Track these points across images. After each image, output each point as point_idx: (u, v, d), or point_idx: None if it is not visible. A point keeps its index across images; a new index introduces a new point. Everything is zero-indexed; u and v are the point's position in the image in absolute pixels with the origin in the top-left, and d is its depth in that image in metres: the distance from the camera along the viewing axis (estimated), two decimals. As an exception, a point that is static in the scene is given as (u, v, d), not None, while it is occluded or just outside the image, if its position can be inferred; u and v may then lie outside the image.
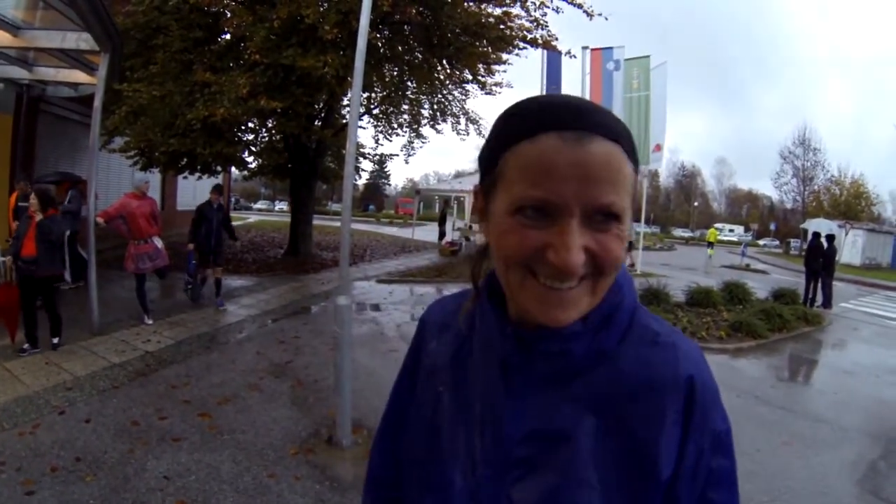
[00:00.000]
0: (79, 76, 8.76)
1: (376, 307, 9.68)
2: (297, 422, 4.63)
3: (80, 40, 6.78)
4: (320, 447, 4.19)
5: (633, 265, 17.86)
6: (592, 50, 14.74)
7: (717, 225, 59.49)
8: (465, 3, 11.10)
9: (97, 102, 6.86)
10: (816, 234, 14.50)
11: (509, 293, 0.71)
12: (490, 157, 0.70)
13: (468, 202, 23.63)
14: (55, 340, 6.01)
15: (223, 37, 11.64)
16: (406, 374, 0.95)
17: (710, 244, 33.02)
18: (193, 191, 20.48)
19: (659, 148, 16.17)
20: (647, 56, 15.86)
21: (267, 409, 4.82)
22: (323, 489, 3.59)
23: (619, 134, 0.64)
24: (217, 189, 9.14)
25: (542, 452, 0.72)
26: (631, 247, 21.37)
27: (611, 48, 14.98)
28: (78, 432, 4.10)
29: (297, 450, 4.12)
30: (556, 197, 0.62)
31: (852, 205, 50.57)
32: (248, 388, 5.31)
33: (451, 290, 11.92)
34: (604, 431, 0.70)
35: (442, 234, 22.23)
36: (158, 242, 7.29)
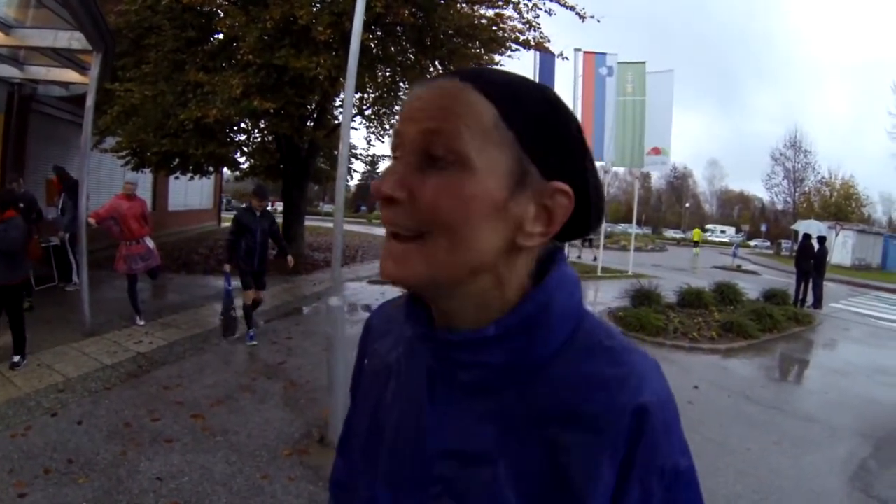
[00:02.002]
0: (71, 75, 8.71)
1: (368, 308, 9.67)
2: (290, 423, 4.63)
3: (72, 39, 6.74)
4: (313, 448, 4.20)
5: (595, 259, 17.99)
6: (585, 53, 14.79)
7: (708, 226, 60.23)
8: (458, 5, 11.09)
9: (89, 102, 6.82)
10: (807, 235, 14.59)
11: None
12: None
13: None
14: (15, 359, 5.28)
15: (216, 37, 11.59)
16: (353, 386, 0.91)
17: (696, 243, 36.62)
18: (185, 191, 20.44)
19: (658, 151, 16.18)
20: (643, 62, 15.90)
21: (260, 411, 4.82)
22: (317, 490, 3.60)
23: (472, 76, 0.62)
24: (260, 192, 7.17)
25: (460, 473, 0.66)
26: (591, 243, 21.52)
27: (604, 54, 15.04)
28: (70, 434, 4.09)
29: (290, 451, 4.12)
30: (399, 128, 0.63)
31: (843, 206, 50.89)
32: (240, 389, 5.31)
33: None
34: (528, 458, 0.63)
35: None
36: (150, 243, 7.27)
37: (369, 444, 0.77)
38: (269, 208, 7.25)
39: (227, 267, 6.89)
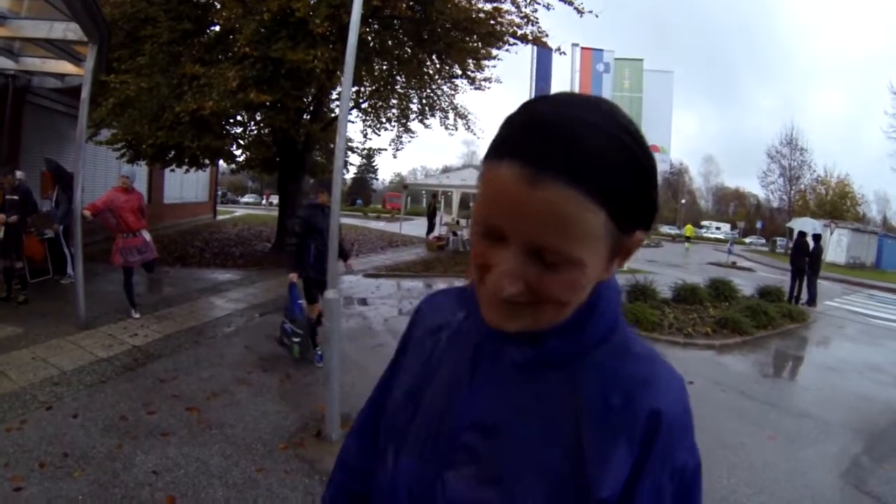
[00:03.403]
0: (66, 67, 8.66)
1: (364, 301, 9.67)
2: (286, 416, 4.63)
3: (67, 30, 6.70)
4: (309, 441, 4.20)
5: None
6: (583, 48, 14.76)
7: (703, 223, 60.43)
8: (456, -1, 11.09)
9: (84, 94, 6.79)
10: (802, 233, 14.64)
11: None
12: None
13: (455, 197, 23.62)
14: None
15: (212, 29, 11.54)
16: (392, 364, 0.97)
17: (688, 238, 38.50)
18: (181, 184, 20.37)
19: (657, 149, 16.15)
20: (641, 59, 15.88)
21: (255, 404, 4.82)
22: (312, 483, 3.60)
23: (583, 175, 0.59)
24: (323, 186, 6.06)
25: (485, 444, 0.72)
26: None
27: (601, 50, 15.00)
28: (66, 427, 4.07)
29: (286, 444, 4.12)
30: (500, 225, 0.63)
31: (838, 204, 51.13)
32: (236, 382, 5.30)
33: (438, 284, 11.94)
34: (551, 438, 0.69)
35: (431, 228, 22.21)
36: (147, 236, 7.23)
37: (400, 419, 0.83)
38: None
39: (293, 277, 5.82)
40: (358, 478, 0.99)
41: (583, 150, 0.59)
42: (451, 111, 15.76)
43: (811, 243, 14.15)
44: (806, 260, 13.91)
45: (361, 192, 66.67)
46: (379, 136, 34.99)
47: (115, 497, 3.25)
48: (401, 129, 16.35)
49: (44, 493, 3.23)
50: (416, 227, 26.16)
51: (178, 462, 3.72)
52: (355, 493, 1.00)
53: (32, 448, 3.73)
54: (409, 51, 12.61)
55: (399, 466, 0.79)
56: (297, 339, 5.86)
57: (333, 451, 4.01)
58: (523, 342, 0.73)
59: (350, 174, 48.72)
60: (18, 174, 7.84)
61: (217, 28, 11.29)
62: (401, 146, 17.00)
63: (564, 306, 0.67)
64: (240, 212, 36.58)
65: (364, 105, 15.34)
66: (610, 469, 0.65)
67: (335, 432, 4.20)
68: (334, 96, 15.12)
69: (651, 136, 15.57)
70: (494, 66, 14.25)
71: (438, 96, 15.41)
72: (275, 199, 43.34)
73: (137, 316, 7.17)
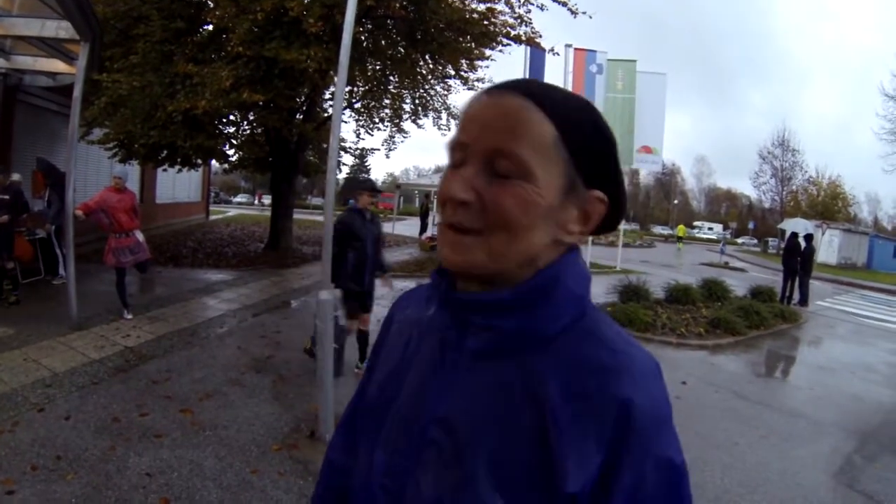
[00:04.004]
0: (58, 65, 8.61)
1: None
2: (279, 417, 4.62)
3: (59, 29, 6.66)
4: (303, 442, 4.19)
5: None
6: (576, 49, 14.79)
7: (696, 223, 60.71)
8: (449, -1, 11.08)
9: (77, 93, 6.74)
10: (794, 234, 14.71)
11: None
12: None
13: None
14: None
15: (205, 28, 11.50)
16: (370, 362, 0.97)
17: (680, 238, 39.92)
18: (173, 184, 20.26)
19: (649, 150, 16.22)
20: (634, 60, 15.92)
21: (249, 405, 4.80)
22: (306, 484, 3.59)
23: (535, 93, 0.69)
24: (370, 185, 5.58)
25: (447, 439, 0.71)
26: None
27: (594, 51, 15.04)
28: (58, 430, 4.04)
29: (279, 445, 4.11)
30: (463, 137, 0.71)
31: (829, 205, 51.34)
32: (229, 383, 5.28)
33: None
34: (512, 432, 0.67)
35: (424, 228, 22.19)
36: (140, 236, 7.20)
37: (376, 413, 0.83)
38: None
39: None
40: (341, 474, 1.00)
41: (536, 82, 0.73)
42: (443, 111, 15.76)
43: (803, 244, 14.21)
44: (798, 260, 13.98)
45: (353, 192, 66.43)
46: (372, 135, 35.02)
47: (109, 500, 3.23)
48: (394, 129, 16.34)
49: (36, 496, 3.20)
50: (408, 226, 26.14)
51: (172, 464, 3.70)
52: (340, 488, 0.99)
53: (24, 451, 3.70)
54: (402, 51, 12.59)
55: (373, 461, 0.79)
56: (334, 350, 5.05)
57: (328, 453, 4.01)
58: (481, 326, 0.72)
59: (342, 174, 48.57)
60: (15, 176, 7.79)
61: (210, 27, 11.24)
62: (393, 146, 17.00)
63: (513, 238, 0.68)
64: (232, 212, 36.45)
65: (357, 105, 15.32)
66: (578, 463, 0.62)
67: (329, 433, 4.19)
68: (327, 96, 15.11)
69: (643, 137, 15.67)
70: (487, 67, 14.30)
71: (431, 96, 15.39)
72: (266, 199, 43.29)
73: (130, 317, 7.13)
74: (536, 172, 0.67)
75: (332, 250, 4.79)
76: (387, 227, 25.52)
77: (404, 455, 0.75)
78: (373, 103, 15.39)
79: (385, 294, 10.68)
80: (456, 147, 0.72)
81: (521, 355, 0.70)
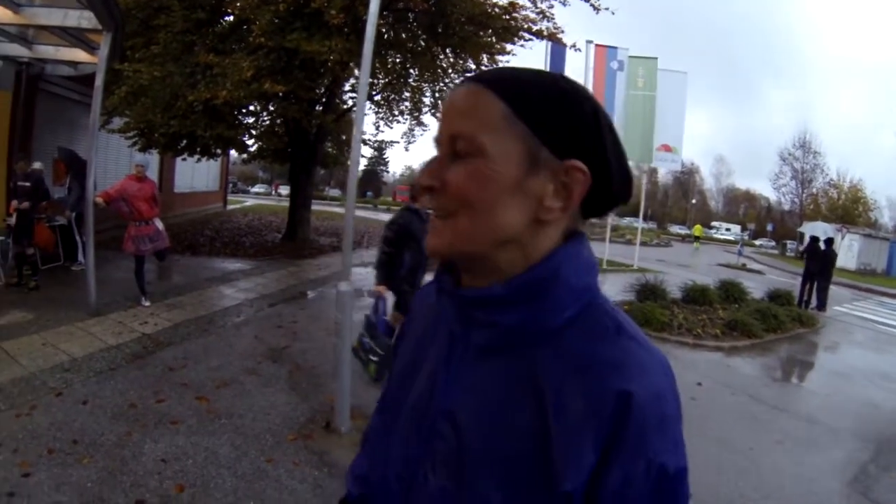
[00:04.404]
0: (79, 55, 8.69)
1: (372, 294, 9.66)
2: (295, 407, 4.64)
3: (81, 18, 6.71)
4: (318, 433, 4.21)
5: None
6: (597, 46, 14.71)
7: (713, 223, 60.30)
8: (471, -8, 11.03)
9: (98, 82, 6.79)
10: (815, 238, 14.55)
11: None
12: None
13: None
14: None
15: (226, 19, 11.56)
16: (394, 349, 1.02)
17: (697, 238, 39.98)
18: (192, 173, 20.41)
19: (668, 148, 16.13)
20: (655, 58, 15.82)
21: (265, 394, 4.83)
22: (321, 475, 3.61)
23: (487, 78, 0.72)
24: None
25: (452, 433, 0.73)
26: None
27: (615, 48, 14.96)
28: (75, 414, 4.09)
29: (295, 435, 4.13)
30: (438, 133, 0.76)
31: (850, 209, 50.60)
32: (245, 372, 5.32)
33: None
34: (514, 428, 0.67)
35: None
36: (159, 224, 7.25)
37: (395, 407, 0.85)
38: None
39: (381, 290, 5.00)
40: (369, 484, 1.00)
41: (498, 70, 0.76)
42: (463, 105, 15.70)
43: (823, 247, 14.05)
44: (817, 264, 13.81)
45: (372, 184, 66.61)
46: (391, 128, 35.04)
47: (124, 485, 3.26)
48: (413, 122, 16.36)
49: (52, 479, 3.24)
50: (425, 220, 26.13)
51: (187, 451, 3.73)
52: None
53: (42, 434, 3.75)
54: (422, 44, 12.57)
55: (389, 451, 0.82)
56: (375, 358, 5.00)
57: (343, 444, 4.04)
58: (483, 322, 0.73)
59: (361, 166, 48.72)
60: (36, 164, 7.88)
61: (231, 18, 11.30)
62: (413, 139, 17.01)
63: (477, 215, 0.69)
64: (250, 201, 36.67)
65: (377, 97, 15.34)
66: (575, 461, 0.62)
67: (345, 424, 4.21)
68: (347, 88, 15.13)
69: (663, 135, 15.57)
70: (508, 62, 14.16)
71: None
72: (283, 190, 43.43)
73: (147, 304, 7.20)
74: (486, 147, 0.68)
75: (387, 251, 4.89)
76: (403, 221, 25.73)
77: (416, 446, 0.77)
78: (393, 96, 15.40)
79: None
80: (434, 143, 0.77)
81: (527, 349, 0.70)
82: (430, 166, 0.74)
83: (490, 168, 0.68)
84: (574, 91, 0.72)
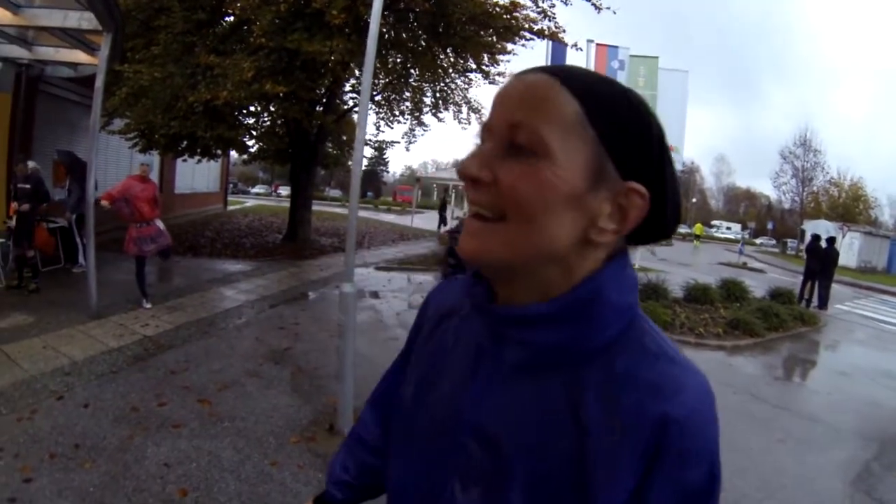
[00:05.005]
0: (79, 56, 8.67)
1: (375, 295, 9.66)
2: (298, 409, 4.63)
3: (81, 19, 6.69)
4: (321, 435, 4.20)
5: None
6: (598, 45, 14.68)
7: (714, 222, 60.34)
8: (472, -8, 11.00)
9: (98, 83, 6.77)
10: (816, 236, 14.54)
11: None
12: None
13: (467, 192, 23.56)
14: None
15: (226, 19, 11.55)
16: (405, 351, 0.98)
17: (697, 236, 40.76)
18: (192, 174, 20.40)
19: (670, 148, 16.11)
20: (656, 57, 15.76)
21: (267, 396, 4.82)
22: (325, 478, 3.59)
23: (561, 72, 0.65)
24: None
25: (483, 452, 0.69)
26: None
27: (616, 47, 14.91)
28: (76, 418, 4.08)
29: (298, 438, 4.12)
30: (488, 120, 0.68)
31: (850, 207, 50.61)
32: (247, 374, 5.30)
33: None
34: (550, 449, 0.65)
35: (443, 221, 22.17)
36: (160, 224, 7.24)
37: (411, 412, 0.82)
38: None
39: None
40: (371, 452, 1.03)
41: (571, 67, 0.68)
42: (464, 105, 15.72)
43: (825, 245, 14.03)
44: (819, 263, 13.80)
45: (372, 184, 66.58)
46: (392, 128, 35.08)
47: (127, 489, 3.25)
48: (414, 122, 16.36)
49: (54, 484, 3.23)
50: (427, 220, 26.17)
51: (190, 455, 3.72)
52: (366, 465, 1.04)
53: (43, 438, 3.73)
54: (423, 44, 12.55)
55: (409, 466, 0.79)
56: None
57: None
58: (518, 341, 0.69)
59: (362, 166, 48.71)
60: (31, 164, 7.86)
61: (231, 18, 11.29)
62: (413, 139, 17.00)
63: (532, 225, 0.62)
64: (250, 202, 36.66)
65: (378, 97, 15.34)
66: (612, 484, 0.61)
67: (348, 426, 4.18)
68: (347, 88, 15.11)
69: (668, 135, 15.48)
70: (509, 61, 14.15)
71: (452, 90, 15.35)
72: (283, 190, 43.37)
73: (149, 306, 7.18)
74: (554, 148, 0.61)
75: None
76: (405, 221, 25.65)
77: (437, 461, 0.74)
78: (393, 96, 15.40)
79: (404, 287, 10.73)
80: (482, 131, 0.69)
81: (565, 369, 0.67)
82: (480, 155, 0.66)
83: (554, 173, 0.61)
84: (645, 108, 0.67)
